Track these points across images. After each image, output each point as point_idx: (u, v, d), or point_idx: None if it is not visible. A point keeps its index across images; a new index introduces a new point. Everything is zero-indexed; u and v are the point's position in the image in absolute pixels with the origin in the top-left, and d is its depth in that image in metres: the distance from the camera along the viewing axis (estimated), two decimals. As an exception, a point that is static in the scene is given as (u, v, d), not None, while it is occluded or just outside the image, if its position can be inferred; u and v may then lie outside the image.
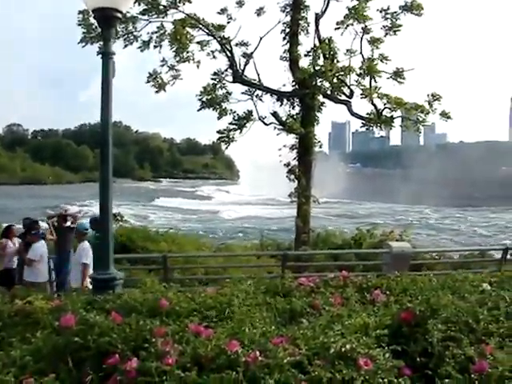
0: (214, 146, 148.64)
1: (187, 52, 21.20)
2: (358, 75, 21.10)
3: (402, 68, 21.12)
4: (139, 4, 20.30)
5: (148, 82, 21.59)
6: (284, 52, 21.23)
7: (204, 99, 21.07)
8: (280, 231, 39.98)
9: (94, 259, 11.50)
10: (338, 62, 21.03)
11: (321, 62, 20.82)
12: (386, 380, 3.79)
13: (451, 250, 33.09)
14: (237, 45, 21.26)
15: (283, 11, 21.22)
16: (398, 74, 20.99)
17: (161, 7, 20.68)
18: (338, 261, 17.85)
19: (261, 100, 21.13)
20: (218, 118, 21.08)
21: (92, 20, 18.43)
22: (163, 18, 20.94)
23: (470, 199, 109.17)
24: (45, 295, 6.40)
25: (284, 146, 20.74)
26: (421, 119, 21.33)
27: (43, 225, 14.47)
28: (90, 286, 9.79)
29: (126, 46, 21.01)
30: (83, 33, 20.25)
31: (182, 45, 20.82)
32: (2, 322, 5.33)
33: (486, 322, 5.08)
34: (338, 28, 21.32)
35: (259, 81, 21.07)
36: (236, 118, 20.90)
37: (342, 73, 20.91)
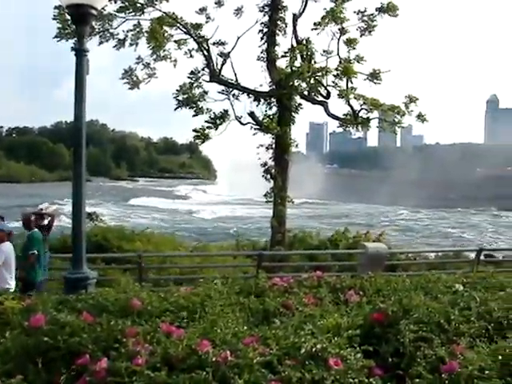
0: (191, 145, 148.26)
1: (164, 50, 21.11)
2: (334, 76, 21.22)
3: (379, 69, 21.32)
4: (115, 1, 20.18)
5: (122, 78, 21.43)
6: (261, 52, 21.26)
7: (180, 98, 20.99)
8: (256, 231, 40.00)
9: (22, 259, 11.24)
10: (315, 62, 21.14)
11: (298, 62, 20.87)
12: (356, 380, 3.80)
13: (426, 250, 33.37)
14: (214, 44, 21.23)
15: (261, 11, 21.26)
16: (374, 76, 21.17)
17: (138, 5, 20.56)
18: (314, 261, 17.90)
19: (238, 99, 21.16)
20: (194, 116, 21.01)
21: (68, 15, 18.25)
22: (140, 15, 20.84)
23: (446, 200, 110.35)
24: (15, 295, 6.33)
25: (260, 145, 20.75)
26: (397, 120, 21.52)
27: (16, 224, 14.23)
28: (7, 286, 9.66)
29: (101, 43, 20.85)
30: (58, 28, 20.03)
31: (159, 43, 20.71)
32: (-30, 323, 5.25)
33: (457, 322, 5.11)
34: (316, 29, 21.39)
35: (236, 80, 21.07)
36: (212, 116, 20.85)
37: (319, 73, 21.01)
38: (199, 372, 3.63)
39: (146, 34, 20.83)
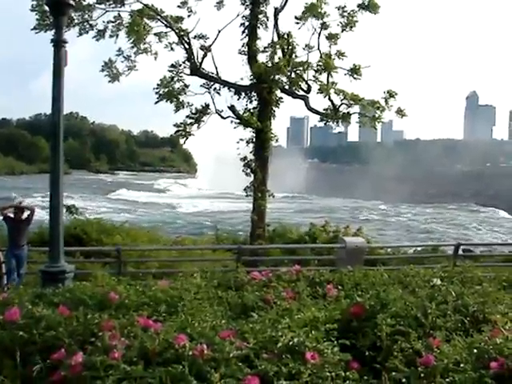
0: (171, 139, 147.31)
1: (144, 43, 20.93)
2: (315, 71, 21.20)
3: (359, 65, 21.36)
4: (95, -8, 19.99)
5: (102, 70, 21.23)
6: (242, 46, 21.15)
7: (161, 92, 20.86)
8: (237, 225, 39.97)
9: None
10: (296, 57, 21.09)
11: (279, 56, 20.82)
12: (333, 374, 3.81)
13: (405, 245, 33.68)
14: (195, 37, 21.07)
15: (243, 4, 21.13)
16: (354, 71, 21.20)
17: (118, -4, 20.37)
18: (294, 255, 17.95)
19: (218, 93, 21.04)
20: (175, 111, 20.92)
21: (46, 6, 18.02)
22: (120, 7, 20.63)
23: (426, 196, 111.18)
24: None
25: (241, 139, 20.72)
26: (377, 116, 21.59)
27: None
28: None
29: (81, 34, 20.61)
30: (37, 19, 19.78)
31: (140, 36, 20.53)
32: None
33: (434, 316, 5.16)
34: (297, 23, 21.37)
35: (217, 74, 20.96)
36: (193, 111, 20.76)
37: (300, 68, 20.99)
38: (176, 366, 3.63)
39: (126, 26, 20.64)
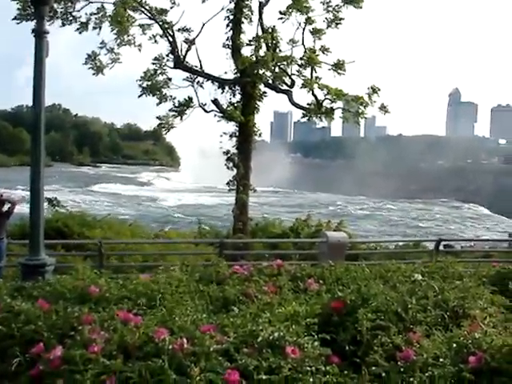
0: (155, 132, 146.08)
1: (128, 35, 20.78)
2: (299, 65, 21.20)
3: (343, 60, 21.38)
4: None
5: (86, 63, 21.07)
6: (227, 39, 21.05)
7: (144, 85, 20.76)
8: (219, 219, 39.95)
9: None
10: (280, 51, 21.08)
11: (263, 51, 20.78)
12: (313, 368, 3.82)
13: (387, 240, 33.93)
14: (179, 30, 20.95)
15: (228, -3, 21.02)
16: (338, 66, 21.21)
17: (102, -13, 20.19)
18: (276, 250, 17.95)
19: (202, 87, 20.96)
20: (158, 104, 20.83)
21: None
22: (104, -2, 20.45)
23: (408, 191, 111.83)
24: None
25: (224, 133, 20.68)
26: (360, 111, 21.63)
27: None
28: None
29: (63, 25, 20.41)
30: (18, 9, 19.55)
31: (123, 27, 20.38)
32: None
33: (414, 311, 5.20)
34: (281, 18, 21.31)
35: (201, 67, 20.86)
36: (176, 104, 20.68)
37: (284, 62, 20.98)
38: (155, 360, 3.62)
39: (109, 18, 20.46)
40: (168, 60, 20.94)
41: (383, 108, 21.57)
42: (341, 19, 21.50)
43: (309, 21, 21.39)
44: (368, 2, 21.50)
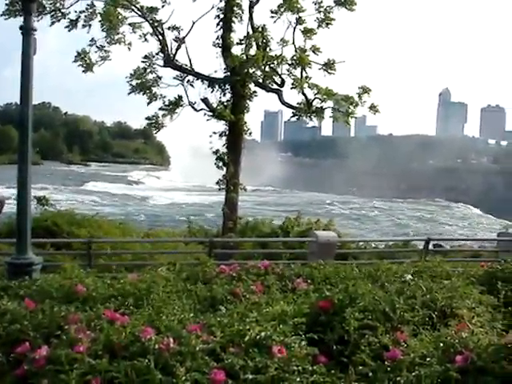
0: (145, 130, 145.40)
1: (118, 33, 20.71)
2: (289, 65, 21.17)
3: (333, 60, 21.39)
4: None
5: (75, 61, 20.96)
6: (217, 38, 21.02)
7: (134, 83, 20.71)
8: (209, 218, 39.90)
9: None
10: (270, 50, 21.05)
11: (253, 50, 20.76)
12: (300, 368, 3.82)
13: (377, 240, 33.97)
14: (169, 28, 20.89)
15: (218, -4, 20.97)
16: (328, 66, 21.22)
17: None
18: (266, 249, 17.95)
19: (192, 86, 20.92)
20: (148, 103, 20.79)
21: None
22: (94, -5, 20.36)
23: (398, 191, 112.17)
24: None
25: (214, 132, 20.65)
26: (350, 111, 21.65)
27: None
28: None
29: (53, 23, 20.30)
30: (6, 4, 19.42)
31: (113, 26, 20.30)
32: None
33: (402, 310, 5.21)
34: (272, 17, 21.29)
35: (191, 66, 20.81)
36: (166, 103, 20.63)
37: (274, 62, 20.95)
38: (141, 359, 3.60)
39: (99, 16, 20.40)
40: (158, 58, 20.89)
41: (373, 108, 21.62)
42: (332, 19, 21.50)
43: (299, 20, 21.36)
44: (359, 2, 21.52)
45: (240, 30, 21.40)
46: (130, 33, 20.99)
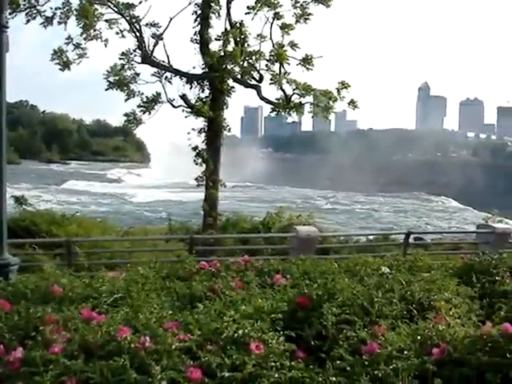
0: (124, 128, 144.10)
1: (95, 30, 20.54)
2: (267, 60, 21.16)
3: (311, 55, 21.39)
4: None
5: (52, 59, 20.76)
6: (195, 34, 20.91)
7: (111, 79, 20.56)
8: (190, 215, 39.78)
9: None
10: (248, 46, 21.00)
11: (231, 45, 20.70)
12: (278, 364, 3.82)
13: (357, 234, 34.05)
14: (146, 25, 20.75)
15: (195, -9, 20.87)
16: (306, 61, 21.22)
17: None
18: (247, 245, 17.94)
19: (170, 82, 20.82)
20: (126, 100, 20.66)
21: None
22: (69, -9, 20.15)
23: (379, 185, 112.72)
24: None
25: (193, 129, 20.57)
26: (329, 106, 21.69)
27: None
28: None
29: (28, 21, 20.09)
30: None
31: (90, 22, 20.12)
32: None
33: (380, 304, 5.23)
34: (249, 12, 21.23)
35: (168, 62, 20.68)
36: (144, 100, 20.52)
37: (252, 57, 20.92)
38: (117, 359, 3.57)
39: (75, 12, 20.20)
40: (135, 55, 20.76)
41: (352, 103, 21.67)
42: (309, 14, 21.51)
43: (277, 16, 21.33)
44: (337, -3, 21.52)
45: (218, 25, 21.35)
46: (107, 29, 20.84)
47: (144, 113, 20.49)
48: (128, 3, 20.64)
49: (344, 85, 21.50)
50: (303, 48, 21.67)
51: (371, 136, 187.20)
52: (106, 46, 20.93)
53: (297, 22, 21.53)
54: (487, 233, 16.08)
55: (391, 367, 4.02)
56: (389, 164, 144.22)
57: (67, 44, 20.69)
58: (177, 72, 20.80)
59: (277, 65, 21.18)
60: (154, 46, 20.61)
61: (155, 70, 20.69)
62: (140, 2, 20.81)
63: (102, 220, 23.73)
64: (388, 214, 71.69)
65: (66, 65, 20.94)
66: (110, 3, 20.38)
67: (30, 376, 3.56)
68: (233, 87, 21.04)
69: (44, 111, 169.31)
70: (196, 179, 20.59)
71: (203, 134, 20.52)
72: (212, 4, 20.86)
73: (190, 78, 20.71)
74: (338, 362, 4.17)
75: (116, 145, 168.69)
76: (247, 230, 20.86)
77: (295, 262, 7.08)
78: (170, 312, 4.70)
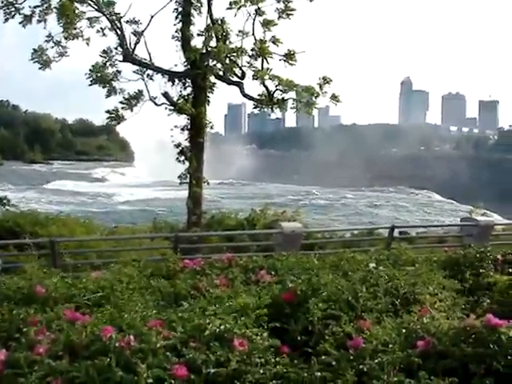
0: (108, 127, 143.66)
1: (75, 28, 20.36)
2: (250, 57, 21.08)
3: (294, 50, 21.35)
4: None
5: (32, 58, 20.57)
6: (176, 31, 20.82)
7: (94, 77, 20.42)
8: (175, 213, 39.71)
9: None
10: (230, 42, 20.92)
11: (213, 42, 20.63)
12: (262, 359, 3.82)
13: (342, 229, 34.12)
14: (127, 22, 20.62)
15: (176, -12, 20.76)
16: (289, 57, 21.17)
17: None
18: (232, 242, 17.92)
19: (152, 80, 20.70)
20: (107, 97, 20.49)
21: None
22: (48, -11, 19.96)
23: (363, 180, 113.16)
24: None
25: (175, 126, 20.50)
26: (312, 101, 21.68)
27: None
28: None
29: (6, 19, 19.89)
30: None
31: (70, 20, 19.94)
32: None
33: (365, 298, 5.25)
34: (231, 8, 21.17)
35: (150, 60, 20.55)
36: (126, 97, 20.40)
37: (234, 54, 20.85)
38: (102, 358, 3.56)
39: (55, 11, 20.01)
40: (117, 53, 20.62)
41: (334, 98, 21.65)
42: (292, 9, 21.46)
43: (259, 11, 21.27)
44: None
45: (199, 22, 21.27)
46: (88, 27, 20.66)
47: (126, 110, 20.37)
48: (108, 1, 20.49)
49: (326, 80, 21.47)
50: (285, 43, 21.65)
51: (355, 131, 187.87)
52: (88, 44, 20.76)
53: (279, 17, 21.47)
54: (471, 225, 16.17)
55: (376, 361, 4.04)
56: (373, 159, 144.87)
57: (47, 42, 20.51)
58: (158, 69, 20.70)
59: (259, 61, 21.12)
60: (136, 43, 20.47)
61: (137, 67, 20.60)
62: (120, -1, 20.71)
63: (87, 220, 23.61)
64: (373, 208, 72.05)
65: (46, 63, 20.75)
66: (89, 1, 20.22)
67: (15, 378, 3.54)
68: (214, 83, 21.00)
69: (26, 111, 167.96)
70: (179, 177, 20.53)
71: (186, 132, 20.47)
72: (193, 1, 20.78)
73: (172, 76, 20.63)
74: (324, 356, 4.18)
75: (100, 144, 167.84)
76: (232, 226, 20.84)
77: (279, 258, 7.08)
78: (155, 311, 4.69)
